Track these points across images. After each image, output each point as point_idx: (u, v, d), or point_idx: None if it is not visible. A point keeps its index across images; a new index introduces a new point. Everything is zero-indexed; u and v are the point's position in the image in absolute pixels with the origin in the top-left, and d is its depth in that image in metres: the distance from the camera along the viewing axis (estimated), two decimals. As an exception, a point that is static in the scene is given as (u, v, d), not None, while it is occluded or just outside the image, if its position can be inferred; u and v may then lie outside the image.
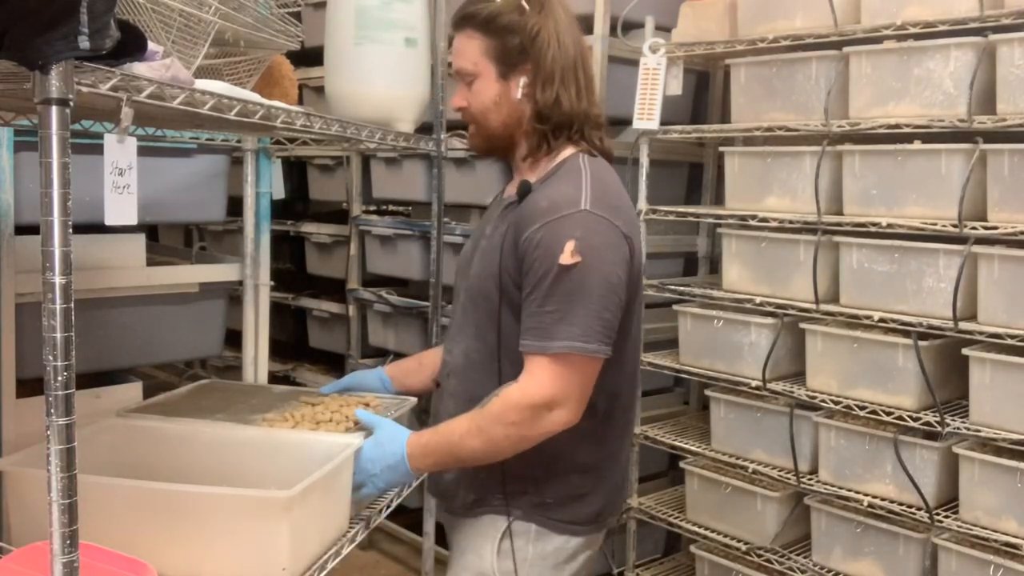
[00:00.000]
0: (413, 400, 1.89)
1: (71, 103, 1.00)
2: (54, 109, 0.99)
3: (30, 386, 1.94)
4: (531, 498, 1.59)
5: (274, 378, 2.55)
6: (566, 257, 1.44)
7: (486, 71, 1.57)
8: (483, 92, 1.58)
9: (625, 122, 2.66)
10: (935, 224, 2.12)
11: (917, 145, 2.17)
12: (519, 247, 1.51)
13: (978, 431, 2.07)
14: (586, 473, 1.61)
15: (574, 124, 1.59)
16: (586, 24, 2.61)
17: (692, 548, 2.71)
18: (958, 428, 2.09)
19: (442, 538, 2.79)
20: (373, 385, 1.95)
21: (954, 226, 2.08)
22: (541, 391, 1.47)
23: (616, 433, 1.65)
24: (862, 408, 2.24)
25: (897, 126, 2.18)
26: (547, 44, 1.55)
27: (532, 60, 1.55)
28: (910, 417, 2.16)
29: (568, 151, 1.60)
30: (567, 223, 1.47)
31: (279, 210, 3.18)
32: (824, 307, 2.32)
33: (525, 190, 1.56)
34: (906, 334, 2.17)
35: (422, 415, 1.97)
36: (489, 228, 1.64)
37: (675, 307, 2.69)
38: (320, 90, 2.60)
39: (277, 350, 3.67)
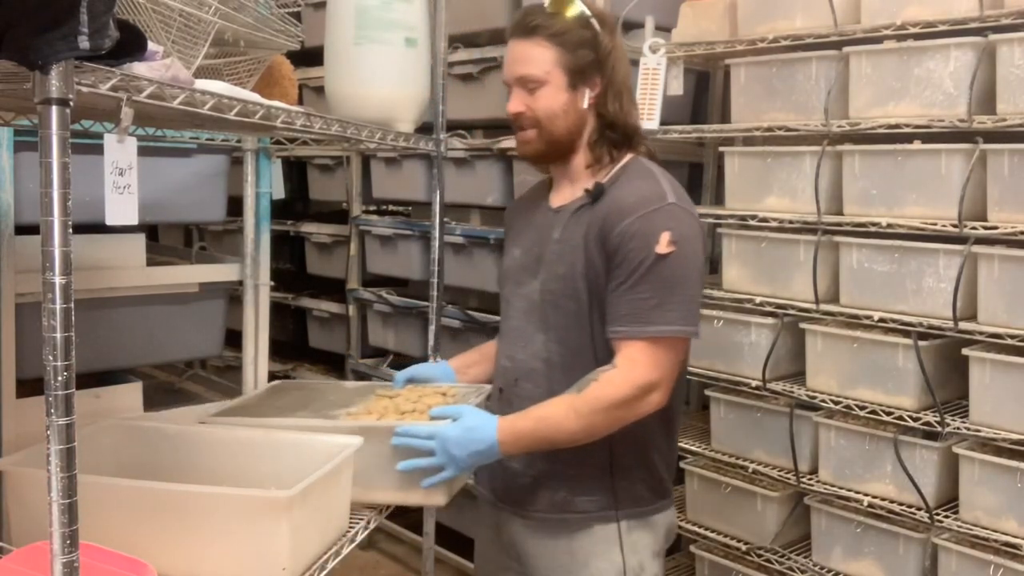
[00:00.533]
0: (488, 387, 1.87)
1: (71, 103, 1.00)
2: (54, 109, 0.99)
3: (30, 386, 1.94)
4: (628, 492, 1.68)
5: (274, 378, 2.55)
6: (662, 247, 1.55)
7: (556, 80, 1.65)
8: (550, 99, 1.66)
9: (625, 122, 2.65)
10: (935, 224, 2.12)
11: (917, 145, 2.17)
12: (609, 241, 1.59)
13: (978, 431, 2.07)
14: (661, 453, 1.73)
15: (635, 134, 1.72)
16: (586, 24, 2.61)
17: (692, 548, 2.71)
18: (958, 428, 2.10)
19: (442, 538, 2.79)
20: (439, 376, 1.95)
21: (954, 226, 2.08)
22: (642, 374, 1.55)
23: (678, 413, 1.77)
24: (862, 408, 2.24)
25: (897, 126, 2.18)
26: (618, 62, 1.68)
27: (605, 76, 1.66)
28: (910, 417, 2.16)
29: (627, 156, 1.71)
30: (660, 215, 1.58)
31: (279, 210, 3.18)
32: (824, 307, 2.32)
33: (599, 191, 1.65)
34: (906, 334, 2.17)
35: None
36: (557, 232, 1.69)
37: (675, 307, 2.69)
38: (320, 90, 2.60)
39: (277, 350, 3.67)
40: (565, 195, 1.73)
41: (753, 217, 2.45)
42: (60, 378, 1.01)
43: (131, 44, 1.11)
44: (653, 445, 1.70)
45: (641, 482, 1.70)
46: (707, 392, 2.66)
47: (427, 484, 1.62)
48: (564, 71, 1.64)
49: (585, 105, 1.67)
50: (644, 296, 1.56)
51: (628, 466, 1.68)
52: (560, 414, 1.57)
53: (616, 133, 1.69)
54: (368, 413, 1.78)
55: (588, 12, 1.66)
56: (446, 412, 1.67)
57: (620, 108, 1.68)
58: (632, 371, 1.56)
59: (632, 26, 2.78)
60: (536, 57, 1.65)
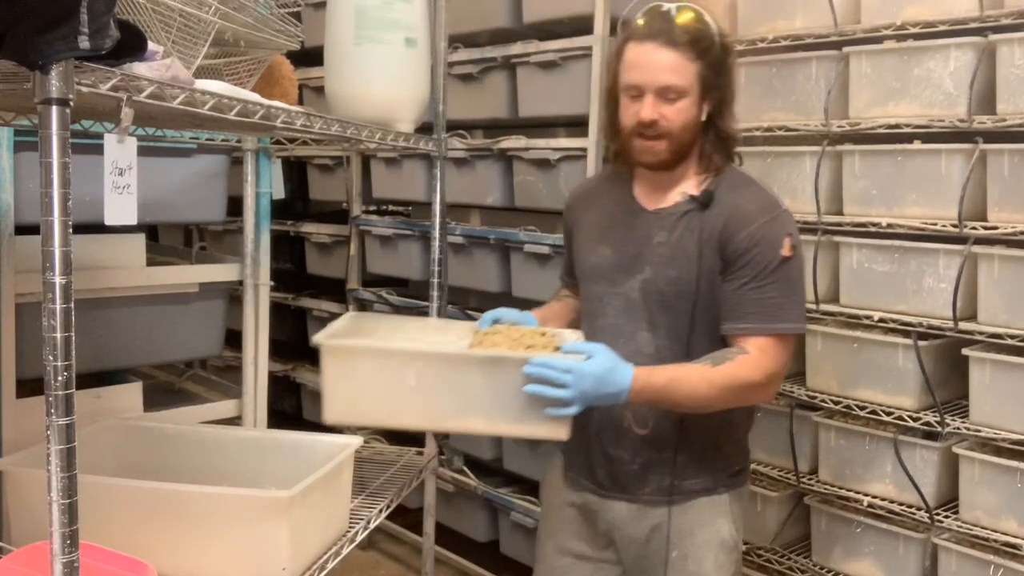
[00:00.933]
0: (579, 332, 1.85)
1: (71, 103, 1.00)
2: (54, 109, 0.99)
3: (30, 386, 1.95)
4: (726, 470, 1.80)
5: (274, 378, 2.55)
6: (785, 250, 1.68)
7: (694, 93, 1.70)
8: (688, 111, 1.71)
9: (625, 122, 2.65)
10: (935, 224, 2.12)
11: (917, 145, 2.18)
12: (731, 244, 1.69)
13: (978, 431, 2.07)
14: (747, 431, 1.88)
15: (738, 145, 1.83)
16: (585, 24, 2.61)
17: (692, 548, 2.70)
18: (958, 428, 2.10)
19: (442, 538, 2.77)
20: (523, 321, 1.91)
21: (954, 226, 2.08)
22: (771, 364, 1.68)
23: None
24: (862, 408, 2.24)
25: (897, 126, 2.18)
26: (737, 79, 1.78)
27: (728, 93, 1.74)
28: (910, 417, 2.16)
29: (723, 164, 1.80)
30: (781, 221, 1.71)
31: (279, 210, 3.18)
32: (824, 307, 2.33)
33: (708, 198, 1.72)
34: (906, 334, 2.17)
35: None
36: (662, 235, 1.75)
37: (675, 307, 2.69)
38: (320, 90, 2.60)
39: (277, 350, 3.67)
40: (660, 198, 1.77)
41: (753, 217, 2.45)
42: (60, 378, 1.01)
43: (131, 44, 1.11)
44: (744, 426, 1.84)
45: (734, 459, 1.83)
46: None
47: (553, 413, 1.60)
48: (701, 85, 1.69)
49: (704, 118, 1.73)
50: (771, 295, 1.67)
51: (727, 447, 1.81)
52: (694, 380, 1.65)
53: (729, 145, 1.78)
54: (494, 345, 1.72)
55: (715, 28, 1.70)
56: (580, 348, 1.66)
57: (734, 124, 1.77)
58: (764, 360, 1.66)
59: (632, 26, 2.77)
60: (682, 68, 1.68)
